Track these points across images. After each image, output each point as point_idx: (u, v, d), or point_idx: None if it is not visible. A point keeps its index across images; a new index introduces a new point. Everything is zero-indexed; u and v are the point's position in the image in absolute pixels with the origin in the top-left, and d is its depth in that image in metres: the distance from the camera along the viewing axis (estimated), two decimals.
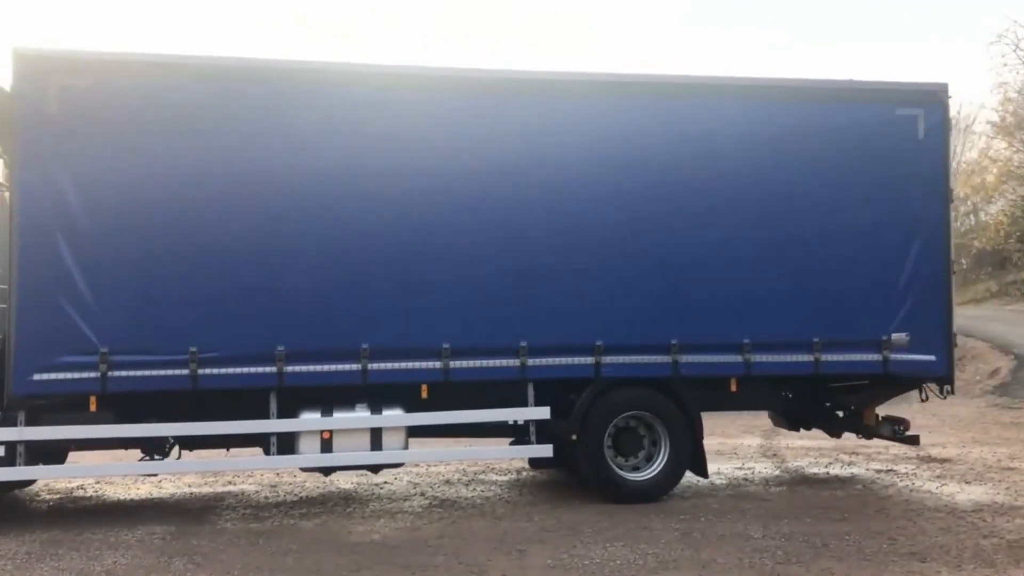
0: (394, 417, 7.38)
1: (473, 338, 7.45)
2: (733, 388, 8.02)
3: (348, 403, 7.42)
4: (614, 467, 7.75)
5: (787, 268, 7.95)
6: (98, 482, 8.91)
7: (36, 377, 6.80)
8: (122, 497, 8.34)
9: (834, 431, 8.98)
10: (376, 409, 7.40)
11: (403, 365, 7.35)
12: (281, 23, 58.30)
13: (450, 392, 7.58)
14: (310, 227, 7.22)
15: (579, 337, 7.60)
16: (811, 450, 10.46)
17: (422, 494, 8.22)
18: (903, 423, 8.42)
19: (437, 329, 7.38)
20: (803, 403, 8.78)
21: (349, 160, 7.27)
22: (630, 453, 7.89)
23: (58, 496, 8.36)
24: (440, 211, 7.41)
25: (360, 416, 7.33)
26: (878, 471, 9.13)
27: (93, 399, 6.97)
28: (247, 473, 9.24)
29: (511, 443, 8.03)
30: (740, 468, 9.40)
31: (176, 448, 7.67)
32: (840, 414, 8.81)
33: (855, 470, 9.23)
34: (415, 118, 7.37)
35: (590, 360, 7.61)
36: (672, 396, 7.82)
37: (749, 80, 8.10)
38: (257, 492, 8.46)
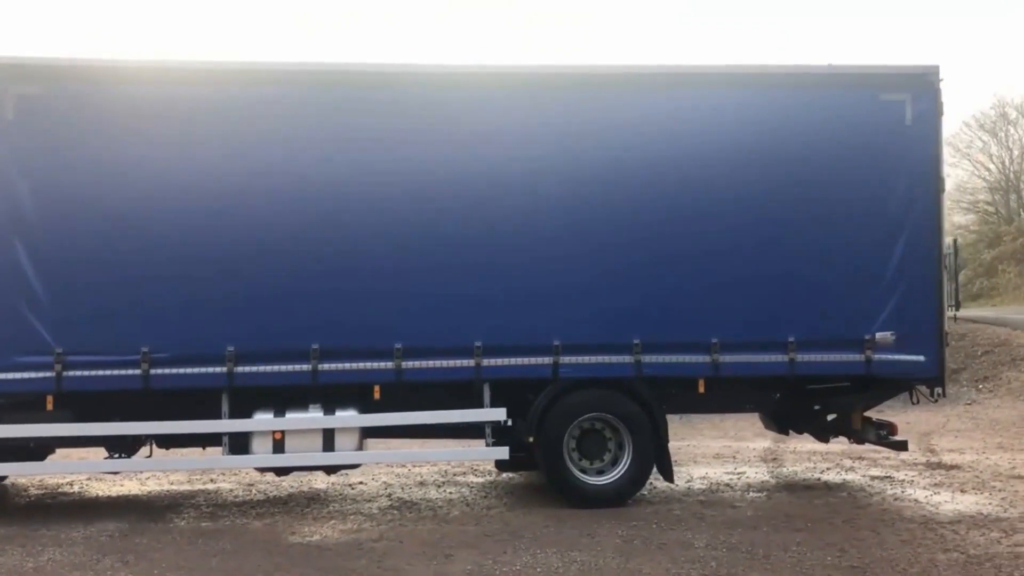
0: (346, 418, 7.33)
1: (426, 338, 7.33)
2: (701, 389, 7.68)
3: (304, 404, 7.40)
4: (573, 470, 7.52)
5: (760, 263, 7.59)
6: (89, 478, 9.13)
7: None
8: (102, 494, 8.52)
9: (822, 435, 8.53)
10: (330, 410, 7.36)
11: (355, 365, 7.29)
12: (280, 16, 59.27)
13: (408, 392, 7.50)
14: (258, 228, 7.22)
15: (536, 337, 7.40)
16: (817, 454, 9.97)
17: (389, 495, 8.15)
18: (889, 427, 7.94)
19: (389, 329, 7.30)
20: (788, 405, 8.38)
21: (289, 163, 7.25)
22: (595, 456, 7.64)
23: (43, 492, 8.60)
24: (387, 211, 7.32)
25: (311, 417, 7.31)
26: (875, 477, 8.64)
27: (50, 398, 7.14)
28: (232, 472, 9.33)
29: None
30: (730, 472, 9.03)
31: (149, 447, 7.83)
32: (829, 418, 8.35)
33: (851, 476, 8.76)
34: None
35: (548, 360, 7.41)
36: (636, 398, 7.55)
37: (718, 68, 7.76)
38: (232, 490, 8.53)
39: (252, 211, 7.21)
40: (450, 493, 8.22)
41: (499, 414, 7.43)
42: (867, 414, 8.20)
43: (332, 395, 7.42)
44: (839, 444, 10.23)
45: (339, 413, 7.36)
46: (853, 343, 7.60)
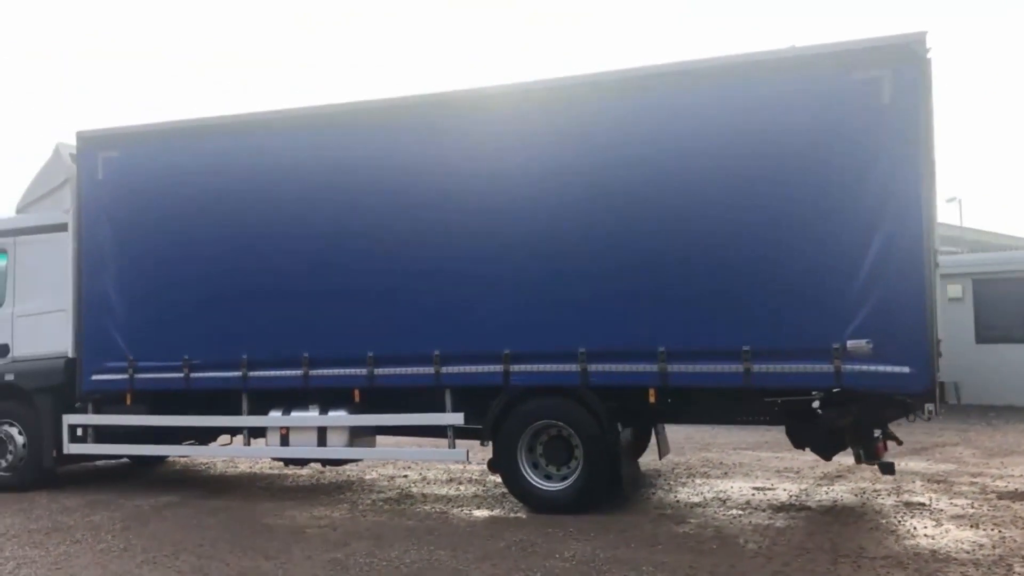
0: (328, 418, 8.34)
1: (394, 347, 8.05)
2: (651, 399, 7.44)
3: (310, 404, 8.53)
4: (527, 475, 7.74)
5: (713, 267, 7.18)
6: (225, 461, 11.14)
7: (94, 378, 9.09)
8: (212, 473, 10.44)
9: (826, 453, 7.70)
10: (324, 410, 8.40)
11: (336, 372, 8.24)
12: (280, 16, 58.73)
13: (386, 395, 8.24)
14: (258, 265, 8.52)
15: (489, 345, 7.75)
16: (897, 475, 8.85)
17: (402, 488, 9.00)
18: (873, 448, 7.04)
19: (363, 338, 8.13)
20: (791, 419, 7.71)
21: (276, 200, 8.47)
22: (562, 463, 7.78)
23: (181, 468, 10.74)
24: (351, 224, 8.16)
25: (305, 416, 8.42)
26: (907, 503, 7.60)
27: (128, 395, 9.06)
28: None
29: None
30: (757, 487, 8.49)
31: (230, 436, 9.53)
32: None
33: (886, 500, 7.76)
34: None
35: (499, 368, 7.72)
36: (588, 406, 7.56)
37: (666, 67, 7.47)
38: (302, 475, 9.94)
39: (252, 259, 8.53)
40: (456, 491, 8.83)
41: (457, 418, 7.92)
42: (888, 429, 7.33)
43: (330, 397, 8.44)
44: (938, 464, 9.20)
45: (331, 413, 8.37)
46: (820, 352, 6.87)
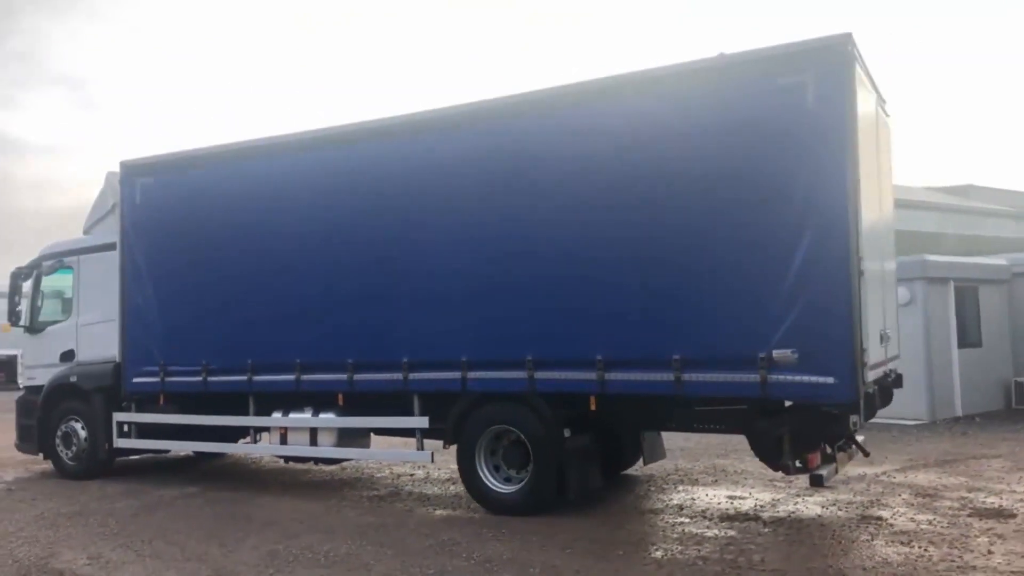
0: (315, 420, 9.02)
1: (370, 354, 8.61)
2: (592, 406, 7.59)
3: (306, 407, 9.24)
4: (482, 477, 8.07)
5: (645, 276, 7.26)
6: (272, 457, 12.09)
7: (134, 380, 10.22)
8: (252, 467, 11.40)
9: (770, 462, 7.52)
10: (317, 412, 9.08)
11: (323, 376, 8.90)
12: (280, 16, 56.08)
13: (371, 399, 8.78)
14: (260, 276, 9.32)
15: (449, 353, 8.15)
16: (896, 487, 8.51)
17: (398, 486, 9.54)
18: (806, 458, 6.86)
19: (344, 346, 8.75)
20: (741, 429, 7.62)
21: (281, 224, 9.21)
22: (520, 466, 8.06)
23: (231, 462, 11.80)
24: (338, 244, 8.79)
25: (295, 417, 9.15)
26: (862, 517, 7.34)
27: (161, 396, 10.12)
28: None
29: None
30: (730, 495, 8.42)
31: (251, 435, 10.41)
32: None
33: (846, 514, 7.53)
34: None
35: (458, 375, 8.11)
36: (536, 411, 7.81)
37: (590, 83, 7.63)
38: (325, 472, 10.69)
39: (255, 271, 9.33)
40: (441, 490, 9.27)
41: (422, 422, 8.37)
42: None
43: (329, 401, 9.11)
44: (947, 477, 8.86)
45: (321, 415, 9.04)
46: (746, 362, 6.81)
